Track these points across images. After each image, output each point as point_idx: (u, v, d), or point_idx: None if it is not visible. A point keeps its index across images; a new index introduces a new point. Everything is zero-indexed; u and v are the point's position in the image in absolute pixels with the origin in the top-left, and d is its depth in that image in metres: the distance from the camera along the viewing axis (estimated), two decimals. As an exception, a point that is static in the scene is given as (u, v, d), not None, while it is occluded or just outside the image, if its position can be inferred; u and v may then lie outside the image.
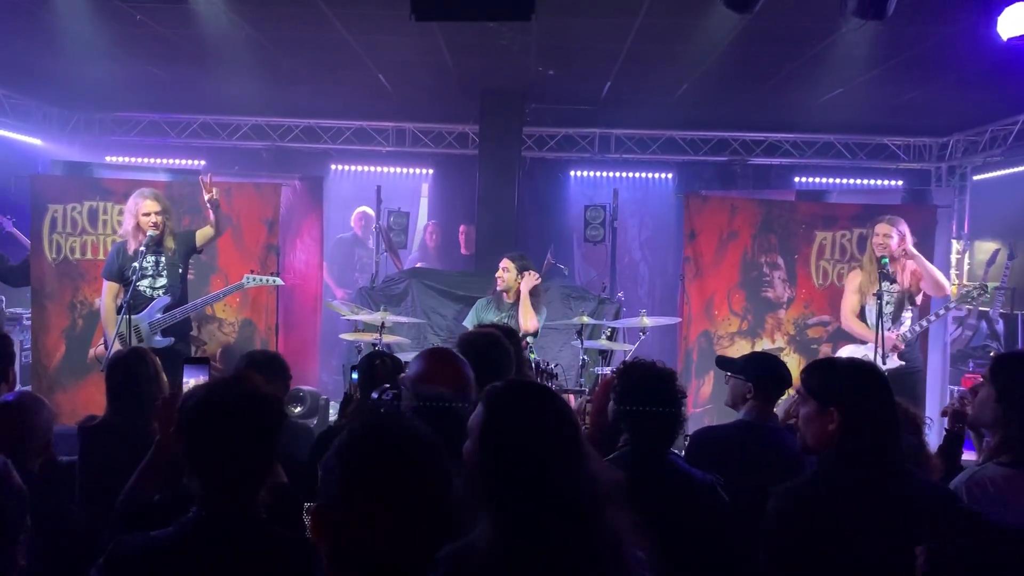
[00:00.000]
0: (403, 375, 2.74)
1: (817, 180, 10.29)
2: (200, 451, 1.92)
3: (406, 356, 4.87)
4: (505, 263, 6.45)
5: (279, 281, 6.51)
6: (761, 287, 7.34)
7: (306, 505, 2.15)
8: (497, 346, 3.29)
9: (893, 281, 6.02)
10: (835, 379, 2.48)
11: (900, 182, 10.12)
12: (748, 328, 7.35)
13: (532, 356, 5.69)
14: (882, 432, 2.38)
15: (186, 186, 7.35)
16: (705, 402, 7.17)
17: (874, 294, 5.85)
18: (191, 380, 2.73)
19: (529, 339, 6.13)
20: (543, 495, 1.71)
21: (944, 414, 3.40)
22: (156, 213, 5.80)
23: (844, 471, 2.38)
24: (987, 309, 8.61)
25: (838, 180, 10.26)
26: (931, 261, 6.30)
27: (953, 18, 5.76)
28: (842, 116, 8.82)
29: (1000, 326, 8.53)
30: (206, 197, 5.86)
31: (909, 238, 6.12)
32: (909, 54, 6.56)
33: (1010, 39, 5.10)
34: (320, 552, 1.37)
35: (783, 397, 4.06)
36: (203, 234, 6.07)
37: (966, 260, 9.63)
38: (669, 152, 10.13)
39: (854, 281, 6.32)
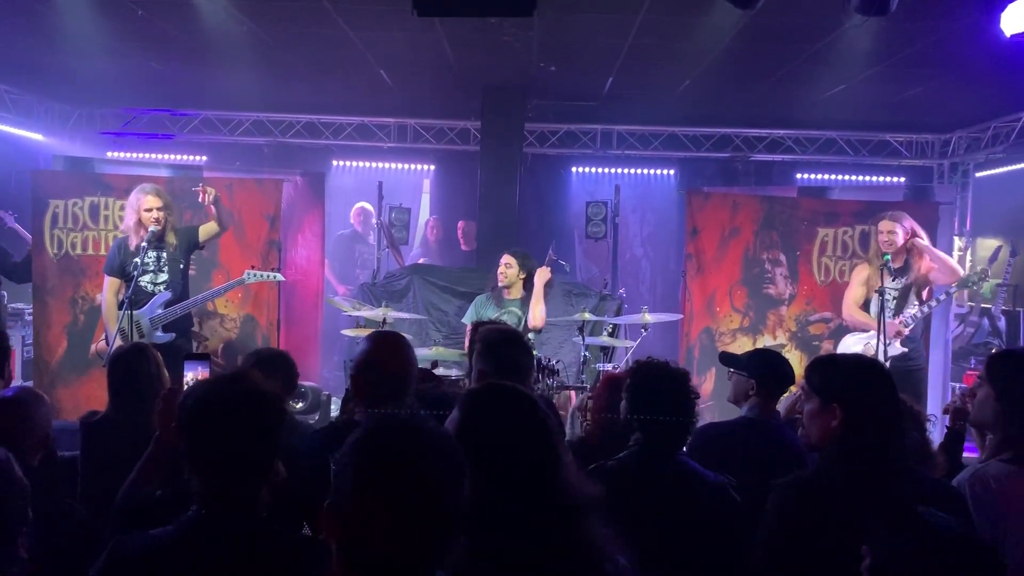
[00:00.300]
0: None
1: (819, 177, 10.27)
2: (200, 448, 1.90)
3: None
4: (507, 259, 6.43)
5: (280, 277, 6.51)
6: (763, 284, 7.33)
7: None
8: (519, 345, 3.33)
9: (895, 277, 6.04)
10: (837, 375, 2.46)
11: (902, 179, 10.11)
12: (750, 325, 7.35)
13: (533, 352, 5.69)
14: (884, 429, 2.37)
15: (187, 182, 7.34)
16: (707, 399, 7.16)
17: (876, 290, 5.85)
18: (191, 375, 2.73)
19: (531, 335, 6.13)
20: (515, 502, 1.68)
21: (946, 411, 3.41)
22: (158, 208, 5.79)
23: (845, 467, 2.38)
24: (989, 306, 8.60)
25: (840, 177, 10.24)
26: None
27: (956, 14, 5.74)
28: (844, 113, 8.80)
29: (1002, 323, 8.52)
30: (203, 199, 5.88)
31: (920, 230, 6.14)
32: (912, 50, 6.54)
33: (1013, 35, 5.08)
34: (329, 550, 1.37)
35: (785, 394, 4.06)
36: (206, 230, 6.07)
37: (968, 257, 9.61)
38: (671, 148, 10.11)
39: (861, 273, 6.33)
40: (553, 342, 7.31)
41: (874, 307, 6.07)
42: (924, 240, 6.17)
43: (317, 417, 6.83)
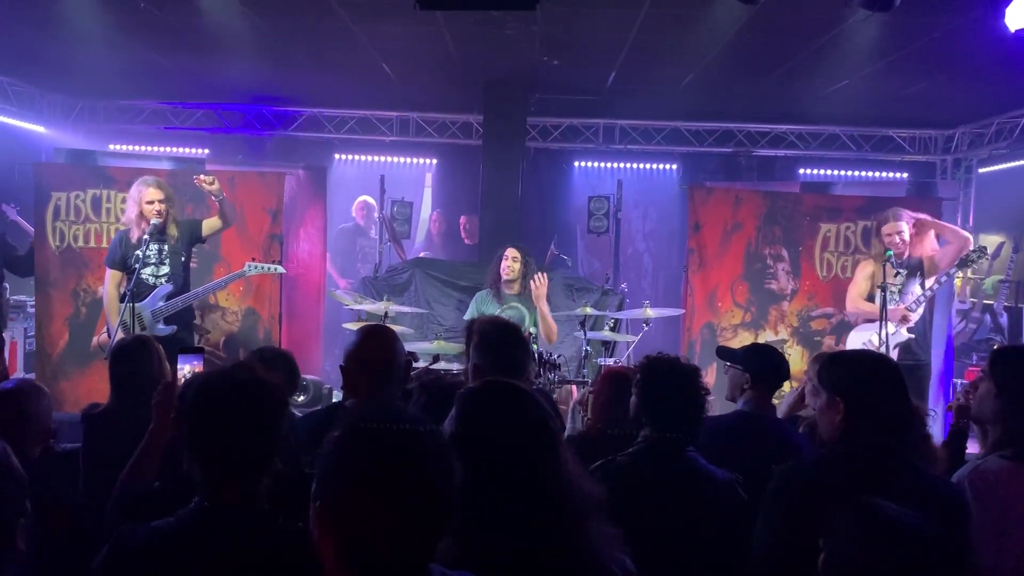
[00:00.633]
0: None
1: (822, 172, 10.25)
2: (202, 439, 1.91)
3: (410, 346, 4.88)
4: (513, 253, 6.40)
5: (281, 269, 6.51)
6: (765, 279, 7.33)
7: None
8: (516, 340, 3.30)
9: (899, 272, 6.05)
10: (841, 369, 2.49)
11: (905, 174, 10.08)
12: (751, 320, 7.35)
13: (535, 347, 5.69)
14: (887, 423, 2.38)
15: (189, 174, 7.34)
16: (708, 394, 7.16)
17: (879, 286, 5.85)
18: (187, 367, 2.75)
19: (532, 330, 6.13)
20: (515, 503, 1.66)
21: (949, 409, 3.41)
22: (159, 201, 5.79)
23: (846, 460, 2.40)
24: (991, 302, 8.60)
25: (843, 172, 10.21)
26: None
27: (960, 10, 5.73)
28: (847, 108, 8.78)
29: (1004, 319, 8.51)
30: (207, 190, 5.87)
31: (922, 215, 6.17)
32: (915, 46, 6.52)
33: (1017, 31, 5.07)
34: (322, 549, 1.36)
35: (785, 390, 4.06)
36: (210, 224, 6.06)
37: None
38: (673, 143, 10.09)
39: (865, 269, 6.34)
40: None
41: (879, 301, 6.08)
42: (929, 220, 6.23)
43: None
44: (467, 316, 6.50)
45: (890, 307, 5.90)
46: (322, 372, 8.30)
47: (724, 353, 3.85)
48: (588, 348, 6.45)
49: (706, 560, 2.54)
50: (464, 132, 10.06)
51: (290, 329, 7.62)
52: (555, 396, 5.56)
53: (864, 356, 2.70)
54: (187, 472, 1.91)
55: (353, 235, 10.35)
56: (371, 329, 3.03)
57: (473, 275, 7.60)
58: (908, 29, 6.12)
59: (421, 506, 1.31)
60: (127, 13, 6.33)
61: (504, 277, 6.36)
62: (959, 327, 8.53)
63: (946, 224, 6.24)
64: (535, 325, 6.25)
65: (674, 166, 10.57)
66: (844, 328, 6.74)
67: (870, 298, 6.22)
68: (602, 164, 10.65)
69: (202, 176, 5.94)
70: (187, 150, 10.19)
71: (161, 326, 5.79)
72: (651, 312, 6.52)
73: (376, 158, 10.66)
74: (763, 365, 3.59)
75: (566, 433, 4.15)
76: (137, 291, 5.67)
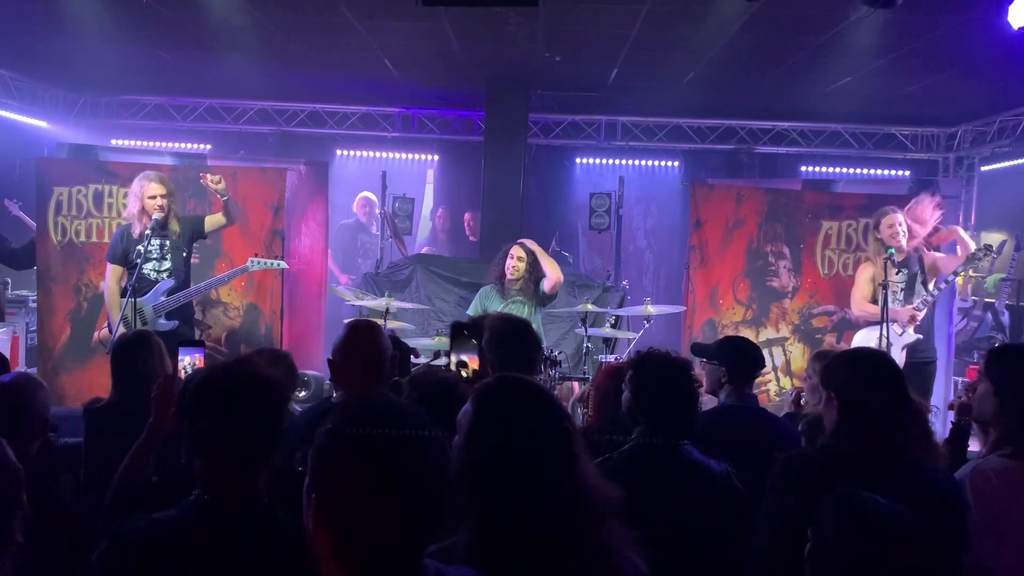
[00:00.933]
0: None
1: (824, 169, 10.24)
2: (203, 432, 1.92)
3: (410, 342, 4.89)
4: (519, 252, 6.32)
5: (283, 265, 6.51)
6: (766, 276, 7.33)
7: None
8: (528, 338, 3.32)
9: (899, 270, 6.04)
10: (837, 368, 2.54)
11: (907, 172, 10.07)
12: (753, 317, 7.35)
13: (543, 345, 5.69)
14: (882, 419, 2.41)
15: (191, 170, 7.34)
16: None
17: (880, 284, 5.85)
18: (187, 359, 2.76)
19: (540, 315, 6.15)
20: (527, 502, 1.64)
21: (951, 407, 3.41)
22: (162, 196, 5.79)
23: (841, 453, 2.43)
24: (992, 300, 8.60)
25: (845, 169, 10.21)
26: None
27: (963, 7, 5.72)
28: (850, 105, 8.78)
29: (1005, 317, 8.51)
30: (213, 188, 5.88)
31: (931, 213, 6.16)
32: (918, 43, 6.52)
33: (1020, 28, 5.06)
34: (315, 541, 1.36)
35: (786, 385, 4.06)
36: (212, 221, 6.07)
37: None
38: (675, 140, 10.09)
39: (867, 271, 6.32)
40: (555, 333, 7.32)
41: (882, 300, 6.08)
42: (962, 233, 6.23)
43: (319, 406, 6.83)
44: (470, 311, 6.49)
45: (896, 307, 5.91)
46: (323, 368, 8.23)
47: (698, 350, 3.91)
48: (589, 345, 6.45)
49: (707, 552, 2.55)
50: (466, 128, 10.06)
51: (291, 325, 7.63)
52: (555, 393, 5.56)
53: (859, 355, 2.73)
54: (184, 466, 1.92)
55: (354, 231, 10.35)
56: (357, 323, 3.12)
57: (474, 271, 7.59)
58: (911, 26, 6.11)
59: (414, 499, 1.31)
60: (129, 9, 6.33)
61: (509, 276, 6.33)
62: (960, 325, 8.52)
63: (967, 239, 6.23)
64: (538, 320, 6.26)
65: (676, 163, 10.56)
66: (845, 326, 6.74)
67: (874, 300, 6.22)
68: (604, 161, 10.65)
69: (208, 176, 5.95)
70: (189, 145, 10.19)
71: (162, 321, 5.80)
72: (652, 309, 6.52)
73: (378, 154, 10.66)
74: (737, 356, 3.65)
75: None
76: (138, 286, 5.67)
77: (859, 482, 1.95)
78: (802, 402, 4.04)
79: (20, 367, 7.42)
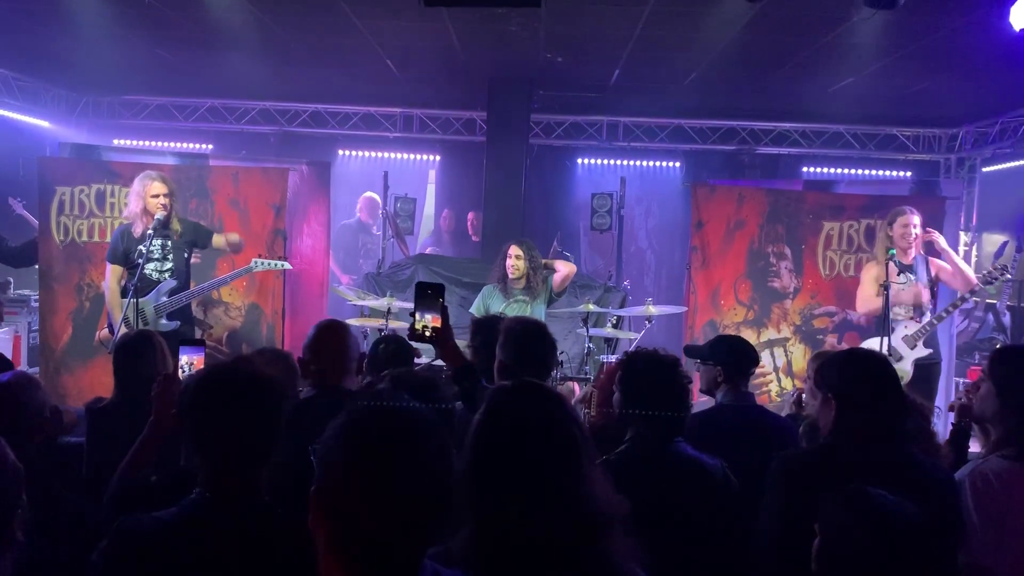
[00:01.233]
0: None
1: (825, 170, 10.24)
2: (204, 431, 1.94)
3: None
4: (516, 251, 6.34)
5: (287, 265, 6.51)
6: (768, 277, 7.33)
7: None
8: (542, 339, 3.37)
9: (902, 272, 6.03)
10: (833, 369, 2.57)
11: (909, 173, 10.08)
12: (754, 318, 7.35)
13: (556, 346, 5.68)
14: (877, 419, 2.44)
15: (193, 170, 7.35)
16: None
17: (881, 284, 5.85)
18: (186, 358, 2.78)
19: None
20: (528, 507, 1.62)
21: (951, 408, 3.42)
22: (164, 195, 5.80)
23: (839, 451, 2.45)
24: (994, 301, 8.60)
25: (846, 170, 10.21)
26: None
27: (965, 8, 5.71)
28: (851, 106, 8.77)
29: (1007, 318, 8.52)
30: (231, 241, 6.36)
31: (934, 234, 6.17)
32: (920, 44, 6.51)
33: (1022, 30, 5.06)
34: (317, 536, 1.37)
35: (787, 386, 4.07)
36: (220, 241, 6.25)
37: (974, 252, 9.59)
38: (677, 140, 10.09)
39: (871, 271, 6.32)
40: (557, 333, 7.28)
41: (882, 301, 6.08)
42: (943, 242, 6.19)
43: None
44: (473, 310, 6.49)
45: (906, 288, 5.91)
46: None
47: (691, 352, 3.93)
48: (590, 345, 6.45)
49: (704, 546, 2.57)
50: (468, 129, 10.07)
51: (293, 325, 7.63)
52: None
53: (855, 356, 2.74)
54: (183, 466, 1.93)
55: (356, 231, 10.36)
56: (325, 323, 3.30)
57: (476, 271, 7.60)
58: (912, 27, 6.11)
59: (415, 495, 1.32)
60: (132, 9, 6.34)
61: (510, 275, 6.34)
62: (962, 326, 8.53)
63: (961, 264, 6.19)
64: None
65: (677, 163, 10.56)
66: (846, 327, 6.75)
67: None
68: (605, 161, 10.65)
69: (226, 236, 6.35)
70: (191, 145, 10.20)
71: (164, 321, 5.81)
72: (653, 309, 6.52)
73: (380, 154, 10.67)
74: (731, 356, 3.67)
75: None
76: (140, 286, 5.68)
77: (858, 480, 1.97)
78: (803, 403, 4.05)
79: (22, 367, 7.44)
